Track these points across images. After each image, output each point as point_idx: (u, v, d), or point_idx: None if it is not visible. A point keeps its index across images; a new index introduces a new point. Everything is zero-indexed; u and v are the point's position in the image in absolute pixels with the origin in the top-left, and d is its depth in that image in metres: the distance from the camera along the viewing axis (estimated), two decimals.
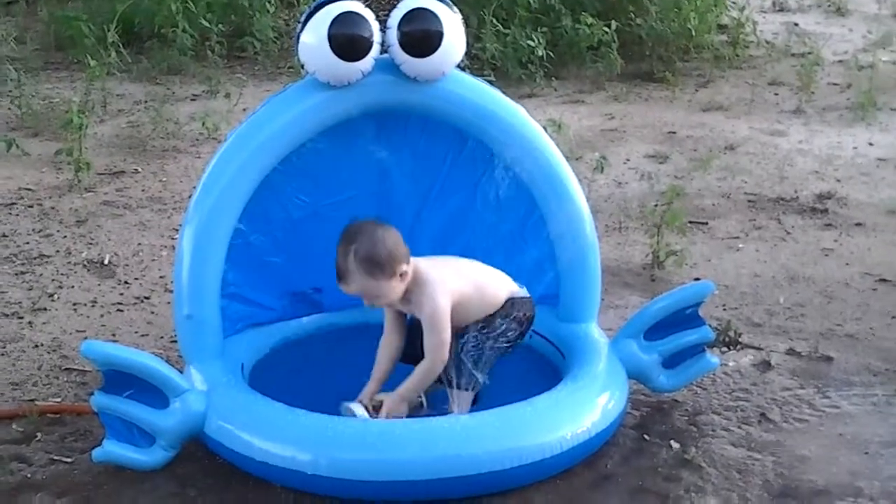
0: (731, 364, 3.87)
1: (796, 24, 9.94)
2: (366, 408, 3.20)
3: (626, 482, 3.17)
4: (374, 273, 3.13)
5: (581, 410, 3.18)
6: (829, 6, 10.71)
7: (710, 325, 3.59)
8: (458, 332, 3.27)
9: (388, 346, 3.34)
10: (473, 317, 3.29)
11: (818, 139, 6.71)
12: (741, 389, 3.71)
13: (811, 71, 7.71)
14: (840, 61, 8.62)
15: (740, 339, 4.02)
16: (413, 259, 3.23)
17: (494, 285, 3.36)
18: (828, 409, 3.60)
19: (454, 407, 3.25)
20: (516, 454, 3.00)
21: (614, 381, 3.35)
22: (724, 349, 3.95)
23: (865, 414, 3.57)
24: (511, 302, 3.34)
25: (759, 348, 4.00)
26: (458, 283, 3.27)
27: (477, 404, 3.27)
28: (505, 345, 3.31)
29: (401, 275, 3.16)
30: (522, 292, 3.40)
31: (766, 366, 3.88)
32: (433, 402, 3.29)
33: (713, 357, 3.60)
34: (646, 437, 3.40)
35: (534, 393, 3.18)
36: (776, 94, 7.77)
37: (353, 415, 3.16)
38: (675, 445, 3.35)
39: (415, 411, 3.27)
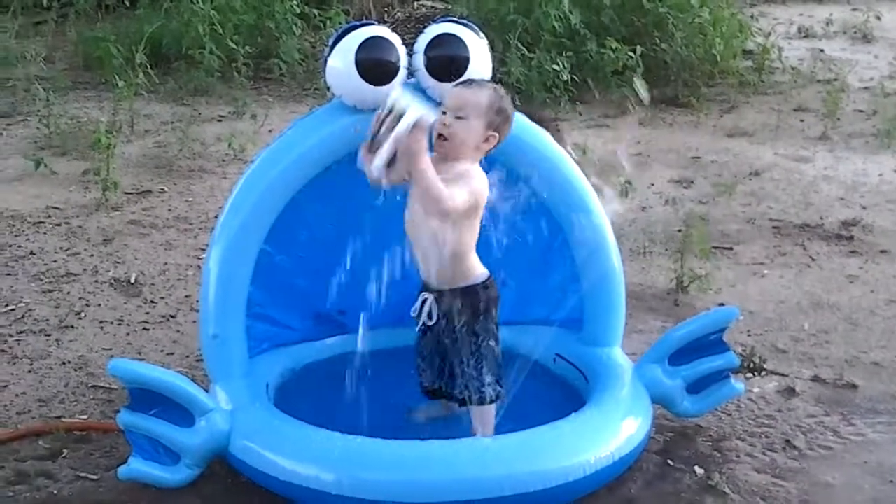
0: (755, 390, 3.86)
1: (822, 51, 9.94)
2: None
3: None
4: (489, 114, 3.20)
5: (604, 435, 3.18)
6: (856, 33, 10.71)
7: (734, 351, 3.58)
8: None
9: None
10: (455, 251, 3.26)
11: (843, 166, 6.69)
12: (766, 416, 3.71)
13: (837, 97, 7.69)
14: (866, 88, 8.61)
15: (765, 366, 4.02)
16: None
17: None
18: (852, 437, 3.59)
19: (478, 428, 3.26)
20: (539, 478, 3.00)
21: (638, 406, 3.35)
22: (749, 375, 3.94)
23: (890, 442, 3.56)
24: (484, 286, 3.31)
25: (783, 375, 4.00)
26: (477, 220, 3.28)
27: (497, 418, 3.27)
28: (493, 331, 3.30)
29: (489, 137, 3.23)
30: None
31: (790, 392, 3.87)
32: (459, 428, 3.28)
33: (738, 383, 3.59)
34: (669, 462, 3.39)
35: (558, 417, 3.18)
36: (801, 121, 7.76)
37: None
38: (699, 471, 3.34)
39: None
